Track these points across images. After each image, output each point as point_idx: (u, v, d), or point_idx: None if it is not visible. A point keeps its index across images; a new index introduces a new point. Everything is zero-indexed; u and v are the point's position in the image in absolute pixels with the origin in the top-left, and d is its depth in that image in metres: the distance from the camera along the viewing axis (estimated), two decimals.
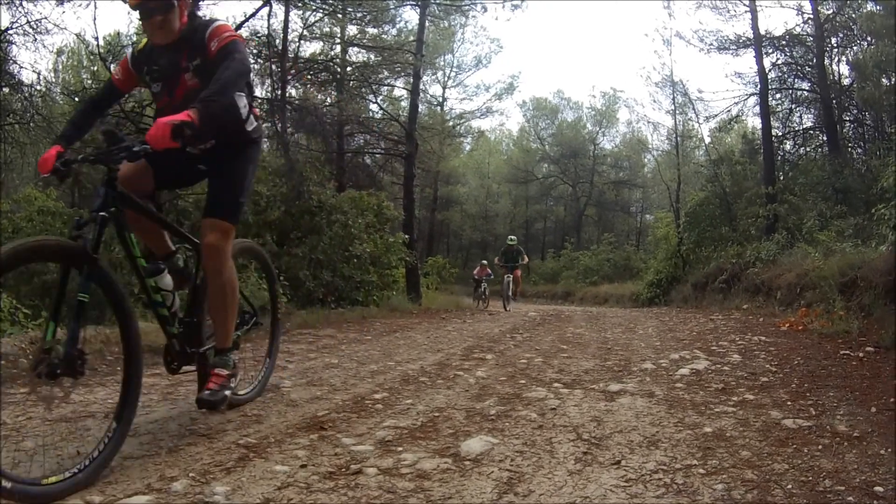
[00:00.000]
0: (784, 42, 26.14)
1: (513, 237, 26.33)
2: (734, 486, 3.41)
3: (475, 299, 25.32)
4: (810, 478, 3.55)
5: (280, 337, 6.26)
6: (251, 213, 14.22)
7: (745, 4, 25.86)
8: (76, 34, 24.36)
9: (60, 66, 33.85)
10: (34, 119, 18.37)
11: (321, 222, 15.04)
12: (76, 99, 19.93)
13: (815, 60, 25.52)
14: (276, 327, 5.97)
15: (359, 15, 23.58)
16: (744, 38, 26.41)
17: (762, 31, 25.72)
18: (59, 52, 32.13)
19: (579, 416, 4.82)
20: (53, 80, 29.37)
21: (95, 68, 23.04)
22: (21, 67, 22.26)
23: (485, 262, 26.83)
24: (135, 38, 20.41)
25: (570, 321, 13.43)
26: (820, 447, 4.08)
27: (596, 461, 3.81)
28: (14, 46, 18.24)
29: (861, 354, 7.57)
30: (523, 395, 5.51)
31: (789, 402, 5.28)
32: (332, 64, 24.09)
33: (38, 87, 19.45)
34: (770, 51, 26.45)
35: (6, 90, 18.31)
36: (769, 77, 26.04)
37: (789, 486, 3.42)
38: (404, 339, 9.69)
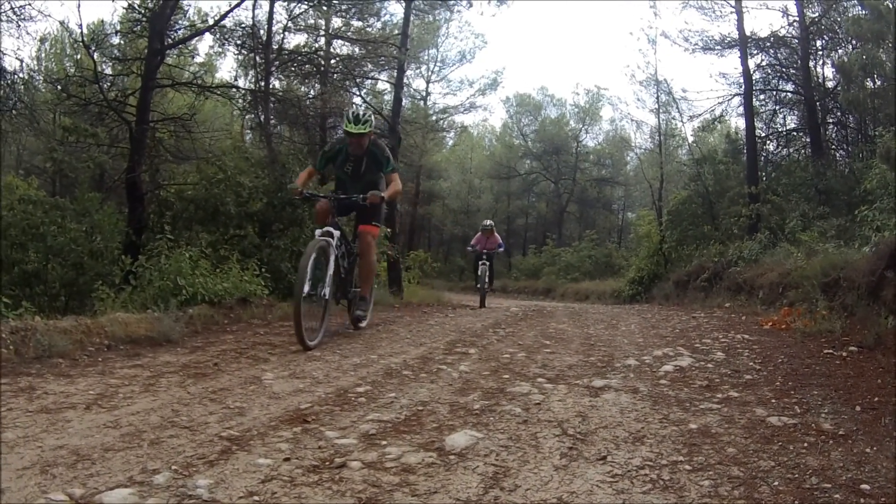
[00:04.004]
0: (769, 43, 26.20)
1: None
2: (721, 483, 3.41)
3: (478, 284, 20.18)
4: (796, 475, 3.55)
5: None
6: (233, 204, 14.16)
7: (731, 5, 25.92)
8: (60, 22, 24.27)
9: (44, 55, 33.71)
10: (16, 107, 18.26)
11: (303, 214, 14.95)
12: (59, 87, 19.82)
13: (799, 62, 25.59)
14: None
15: (344, 7, 23.55)
16: (729, 39, 26.46)
17: (748, 33, 25.76)
18: (43, 40, 32.00)
19: (564, 412, 4.81)
20: (36, 68, 29.25)
21: (79, 56, 22.88)
22: (4, 55, 22.09)
23: (489, 223, 21.40)
24: (119, 27, 20.36)
25: (552, 317, 13.39)
26: (805, 445, 4.08)
27: (582, 456, 3.80)
28: None
29: (844, 354, 7.57)
30: (507, 390, 5.49)
31: (774, 400, 5.27)
32: (316, 56, 24.01)
33: (21, 75, 19.33)
34: (755, 52, 26.52)
35: None
36: (754, 78, 26.11)
37: (776, 483, 3.42)
38: (387, 332, 9.63)
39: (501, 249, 21.70)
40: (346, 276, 8.99)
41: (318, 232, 8.19)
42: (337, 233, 8.30)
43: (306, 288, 7.37)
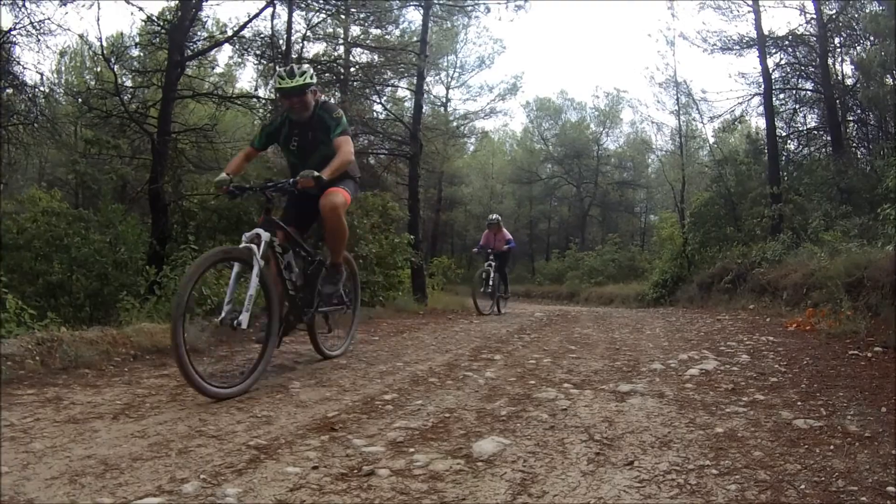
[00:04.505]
0: (787, 42, 26.07)
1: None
2: (747, 487, 3.39)
3: (477, 290, 17.43)
4: (823, 478, 3.53)
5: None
6: (256, 213, 14.18)
7: (748, 4, 25.81)
8: (79, 35, 24.45)
9: (63, 68, 33.91)
10: (38, 120, 18.42)
11: None
12: (80, 100, 19.97)
13: (818, 60, 25.44)
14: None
15: (362, 16, 23.61)
16: (747, 39, 26.34)
17: (765, 31, 25.65)
18: (63, 54, 32.19)
19: (590, 417, 4.80)
20: (56, 81, 29.41)
21: (99, 69, 23.04)
22: (24, 68, 22.30)
23: (496, 217, 19.17)
24: (137, 39, 20.51)
25: (576, 321, 13.39)
26: (832, 447, 4.07)
27: (609, 462, 3.79)
28: (17, 47, 18.29)
29: (869, 354, 7.54)
30: (533, 396, 5.49)
31: (799, 403, 5.26)
32: (335, 65, 24.07)
33: (42, 89, 19.50)
34: (773, 51, 26.38)
35: (9, 91, 18.36)
36: (773, 77, 25.98)
37: (802, 487, 3.41)
38: (412, 339, 9.66)
39: (512, 247, 18.95)
40: (300, 294, 6.87)
41: (245, 236, 5.99)
42: (266, 235, 6.04)
43: (223, 313, 5.51)
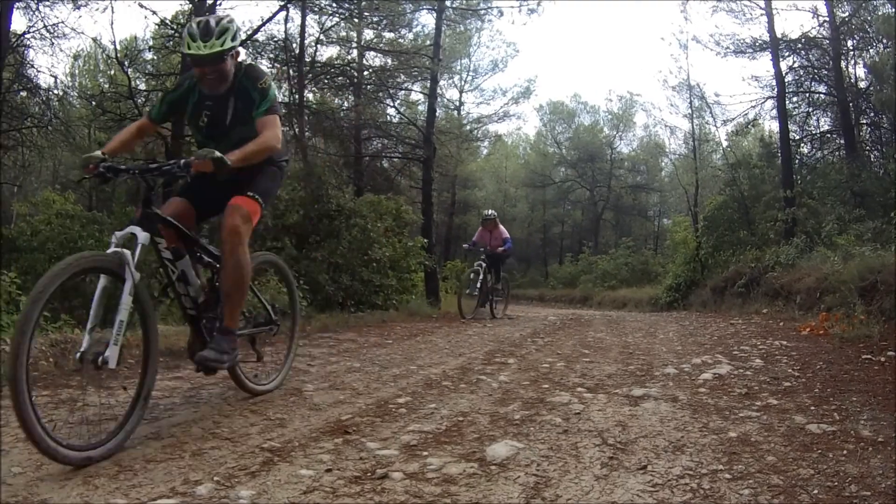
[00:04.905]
0: (800, 45, 25.97)
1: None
2: (760, 492, 3.37)
3: (462, 292, 16.55)
4: (836, 483, 3.51)
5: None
6: (270, 217, 14.22)
7: (760, 7, 25.73)
8: (93, 38, 24.56)
9: (77, 71, 34.02)
10: (52, 123, 18.51)
11: (340, 226, 15.03)
12: (93, 103, 20.08)
13: (831, 63, 25.35)
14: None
15: (375, 19, 23.65)
16: (760, 42, 26.25)
17: (778, 35, 25.56)
18: (76, 57, 32.29)
19: (604, 421, 4.78)
20: (70, 84, 29.54)
21: (112, 72, 23.14)
22: (38, 72, 22.42)
23: (491, 212, 18.37)
24: (151, 42, 20.61)
25: (589, 325, 13.39)
26: (845, 452, 4.04)
27: (622, 466, 3.78)
28: (31, 51, 18.42)
29: (883, 359, 7.51)
30: (547, 400, 5.48)
31: (813, 407, 5.23)
32: (349, 68, 24.14)
33: (56, 92, 19.61)
34: (786, 54, 26.29)
35: (24, 94, 18.47)
36: (786, 80, 25.90)
37: (815, 492, 3.38)
38: (425, 343, 9.67)
39: (509, 248, 17.44)
40: (205, 315, 5.15)
41: (115, 236, 4.28)
42: (144, 236, 4.40)
43: (84, 344, 3.96)
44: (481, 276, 16.21)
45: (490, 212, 18.32)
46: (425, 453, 3.93)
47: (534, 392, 5.84)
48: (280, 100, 21.06)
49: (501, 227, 17.68)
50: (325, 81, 23.97)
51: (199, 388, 5.60)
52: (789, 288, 15.84)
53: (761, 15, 25.92)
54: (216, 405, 5.06)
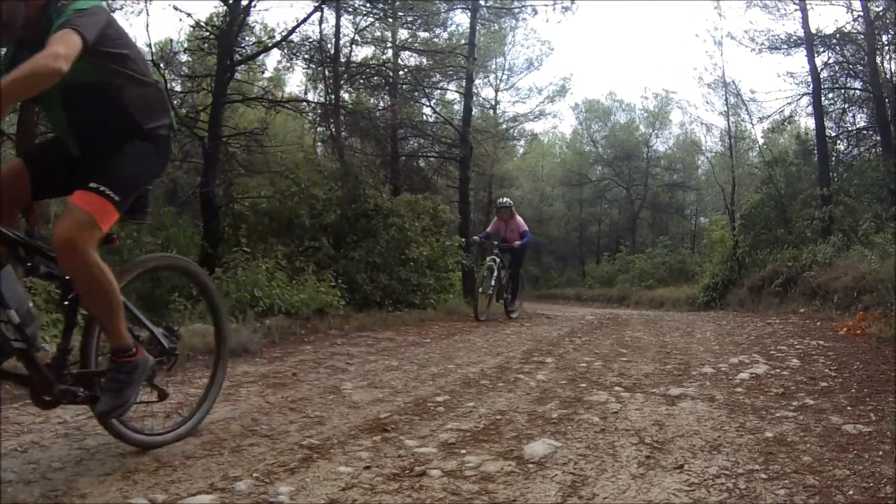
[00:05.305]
0: (835, 40, 25.67)
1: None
2: (796, 492, 3.36)
3: (476, 290, 14.46)
4: (871, 484, 3.48)
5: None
6: (307, 216, 14.28)
7: (794, 3, 25.47)
8: None
9: None
10: None
11: (377, 225, 15.05)
12: None
13: (866, 59, 25.06)
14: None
15: (409, 19, 23.66)
16: (795, 38, 25.97)
17: (813, 30, 25.29)
18: None
19: (641, 420, 4.78)
20: None
21: None
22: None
23: (506, 200, 16.68)
24: (186, 44, 20.76)
25: (627, 325, 13.32)
26: (881, 453, 4.00)
27: (659, 465, 3.78)
28: None
29: None
30: (584, 399, 5.47)
31: (849, 407, 5.20)
32: (384, 68, 24.18)
33: None
34: (821, 50, 25.97)
35: None
36: (821, 76, 25.63)
37: (850, 492, 3.36)
38: (463, 342, 9.67)
39: (528, 242, 15.40)
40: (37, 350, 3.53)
41: None
42: None
43: None
44: (495, 273, 14.42)
45: (504, 199, 16.55)
46: (463, 451, 3.95)
47: (571, 391, 5.83)
48: (317, 99, 21.24)
49: (518, 217, 15.72)
50: (361, 81, 24.05)
51: (237, 385, 5.63)
52: (826, 287, 15.71)
53: (795, 10, 25.65)
54: (255, 402, 5.09)
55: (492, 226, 15.84)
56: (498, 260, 14.54)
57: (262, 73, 26.47)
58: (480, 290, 14.18)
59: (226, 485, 3.31)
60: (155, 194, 20.86)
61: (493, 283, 14.31)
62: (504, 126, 39.74)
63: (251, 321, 8.83)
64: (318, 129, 25.13)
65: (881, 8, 24.39)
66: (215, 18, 18.85)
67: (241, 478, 3.40)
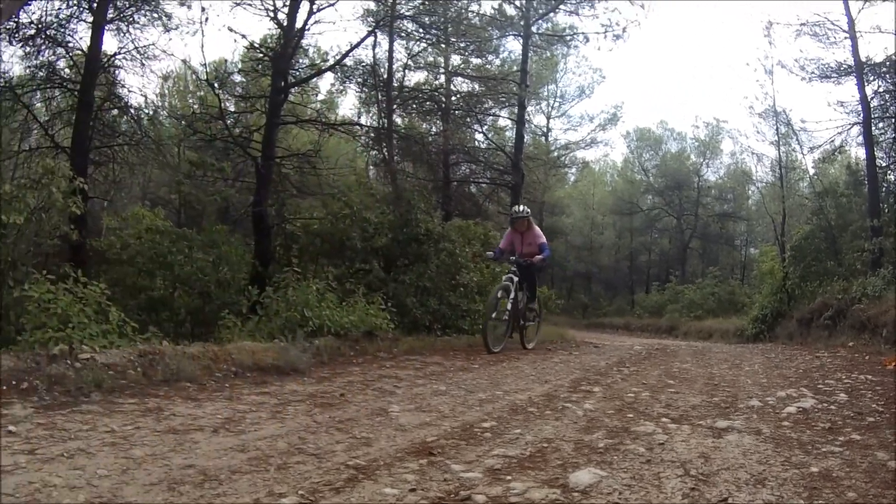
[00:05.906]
0: (885, 69, 25.43)
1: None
2: None
3: (489, 316, 11.98)
4: None
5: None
6: (359, 238, 14.39)
7: (844, 31, 25.29)
8: (182, 60, 25.24)
9: (167, 91, 34.80)
10: (143, 141, 19.07)
11: (428, 250, 15.11)
12: (183, 123, 20.62)
13: None
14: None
15: (462, 45, 23.81)
16: (845, 66, 25.75)
17: (863, 58, 25.08)
18: (166, 78, 32.99)
19: (687, 452, 4.72)
20: (160, 104, 30.27)
21: (202, 93, 23.68)
22: (129, 91, 23.13)
23: (522, 208, 13.51)
24: (240, 65, 21.08)
25: (675, 356, 13.23)
26: None
27: (703, 497, 3.73)
28: (122, 71, 19.09)
29: None
30: (631, 429, 5.43)
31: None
32: (436, 93, 24.34)
33: (146, 111, 20.22)
34: (871, 78, 25.74)
35: (115, 112, 19.10)
36: (871, 105, 25.36)
37: None
38: (511, 369, 9.64)
39: (547, 256, 13.17)
40: None
41: None
42: None
43: None
44: (511, 296, 12.30)
45: (521, 208, 13.57)
46: (509, 477, 3.91)
47: (618, 421, 5.79)
48: (370, 123, 21.43)
49: (536, 227, 13.47)
50: (413, 106, 24.27)
51: (285, 403, 5.65)
52: (875, 320, 15.53)
53: (845, 38, 25.41)
54: (302, 421, 5.10)
55: (504, 240, 13.52)
56: (516, 279, 12.45)
57: (316, 95, 26.75)
58: (493, 316, 12.07)
59: (271, 500, 3.31)
60: (208, 212, 21.19)
61: (508, 307, 12.27)
62: (556, 153, 39.90)
63: (300, 340, 8.88)
64: (371, 152, 25.37)
65: None
66: (269, 40, 19.14)
67: (287, 495, 3.40)
